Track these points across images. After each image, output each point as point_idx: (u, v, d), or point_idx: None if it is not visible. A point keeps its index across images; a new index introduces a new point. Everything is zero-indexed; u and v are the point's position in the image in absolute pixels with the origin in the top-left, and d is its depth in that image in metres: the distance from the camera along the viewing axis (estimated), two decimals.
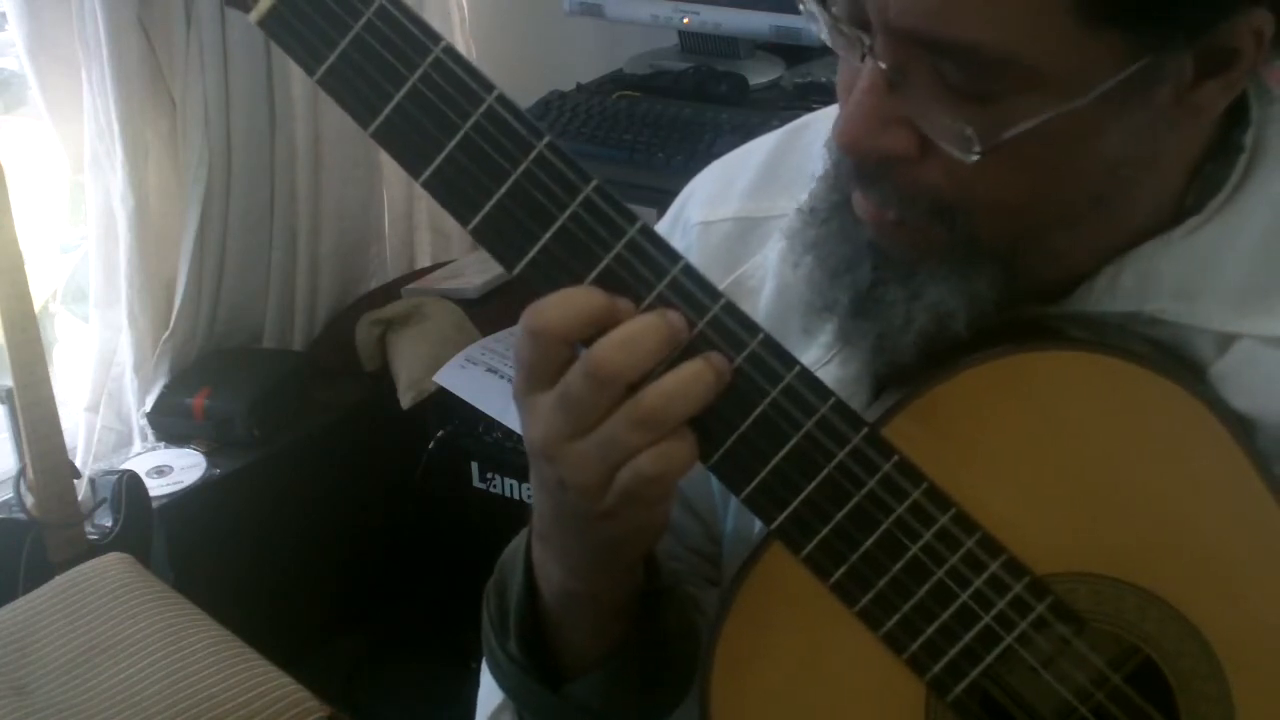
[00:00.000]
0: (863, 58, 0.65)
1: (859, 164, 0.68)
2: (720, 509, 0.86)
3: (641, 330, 0.64)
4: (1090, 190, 0.67)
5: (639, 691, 0.78)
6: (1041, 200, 0.67)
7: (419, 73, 0.64)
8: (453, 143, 0.64)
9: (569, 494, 0.66)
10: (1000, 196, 0.66)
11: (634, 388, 0.63)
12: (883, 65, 0.64)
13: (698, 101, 2.10)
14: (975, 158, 0.63)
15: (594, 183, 0.64)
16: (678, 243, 0.86)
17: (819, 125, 0.86)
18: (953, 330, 0.69)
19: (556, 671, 0.79)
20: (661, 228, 0.90)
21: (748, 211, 0.85)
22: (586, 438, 0.64)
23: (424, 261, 2.60)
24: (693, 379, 0.64)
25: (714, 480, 0.82)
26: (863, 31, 0.65)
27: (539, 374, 0.65)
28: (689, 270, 0.65)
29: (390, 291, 2.43)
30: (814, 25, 0.69)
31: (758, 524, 0.81)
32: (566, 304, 0.64)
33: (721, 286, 0.80)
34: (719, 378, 0.64)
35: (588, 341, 0.64)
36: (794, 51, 2.21)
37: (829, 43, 0.68)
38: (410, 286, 2.39)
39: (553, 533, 0.72)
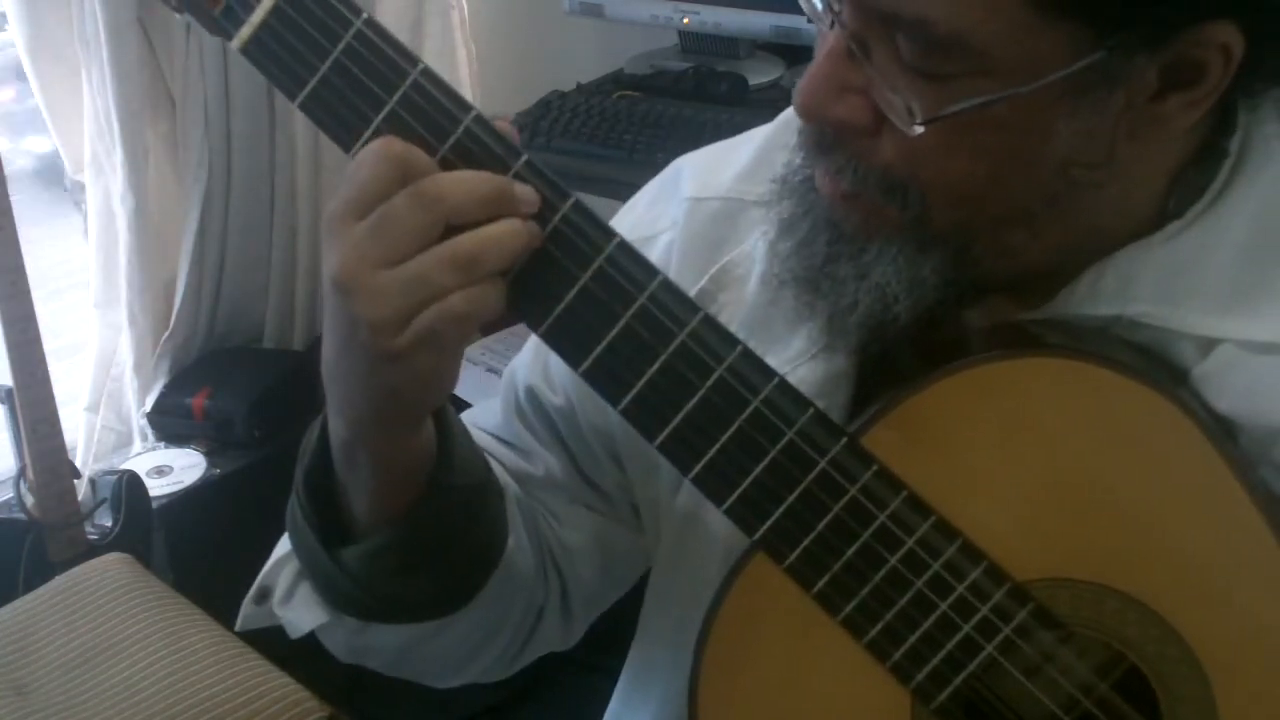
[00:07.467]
0: (831, 25, 0.67)
1: (817, 132, 0.70)
2: (669, 486, 0.85)
3: (480, 176, 0.65)
4: (1041, 188, 0.68)
5: (402, 572, 0.76)
6: (990, 190, 0.68)
7: (398, 95, 0.65)
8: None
9: (360, 331, 0.65)
10: (947, 179, 0.67)
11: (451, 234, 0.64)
12: (845, 33, 0.66)
13: (697, 101, 2.09)
14: (917, 130, 0.65)
15: (572, 200, 0.66)
16: (665, 208, 0.87)
17: None
18: (894, 314, 0.70)
19: (342, 538, 0.78)
20: (649, 191, 0.91)
21: (738, 193, 0.85)
22: (393, 270, 0.64)
23: None
24: (510, 232, 0.65)
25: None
26: (836, 0, 0.67)
27: (364, 197, 0.65)
28: (667, 285, 0.66)
29: None
30: None
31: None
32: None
33: (709, 272, 0.82)
34: (531, 238, 0.65)
35: None
36: (794, 51, 2.21)
37: (807, 11, 0.70)
38: None
39: (337, 379, 0.70)
